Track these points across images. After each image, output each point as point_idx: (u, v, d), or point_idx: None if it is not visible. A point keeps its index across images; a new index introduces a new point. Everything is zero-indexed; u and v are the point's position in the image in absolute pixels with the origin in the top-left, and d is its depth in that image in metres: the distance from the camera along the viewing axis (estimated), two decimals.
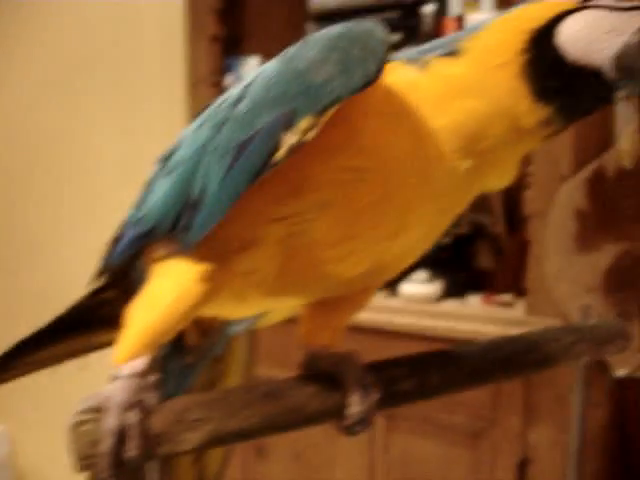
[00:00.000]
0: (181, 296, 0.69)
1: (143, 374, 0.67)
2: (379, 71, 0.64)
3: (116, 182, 2.31)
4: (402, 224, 0.71)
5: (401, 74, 0.70)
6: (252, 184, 0.64)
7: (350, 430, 0.75)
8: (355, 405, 0.74)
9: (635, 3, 0.69)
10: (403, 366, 0.80)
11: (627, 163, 1.54)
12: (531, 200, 1.79)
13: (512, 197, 1.99)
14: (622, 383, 1.77)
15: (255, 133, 0.64)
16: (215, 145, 0.68)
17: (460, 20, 1.97)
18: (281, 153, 0.63)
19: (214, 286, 0.69)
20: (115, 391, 0.65)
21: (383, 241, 0.71)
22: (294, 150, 0.63)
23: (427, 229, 0.74)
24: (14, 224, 2.57)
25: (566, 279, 1.72)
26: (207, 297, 0.69)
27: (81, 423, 0.63)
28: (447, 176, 0.70)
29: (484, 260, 2.11)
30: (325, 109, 0.63)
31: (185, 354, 0.83)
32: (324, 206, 0.67)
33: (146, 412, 0.65)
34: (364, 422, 0.75)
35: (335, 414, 0.75)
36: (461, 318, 1.88)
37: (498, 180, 0.76)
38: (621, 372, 1.73)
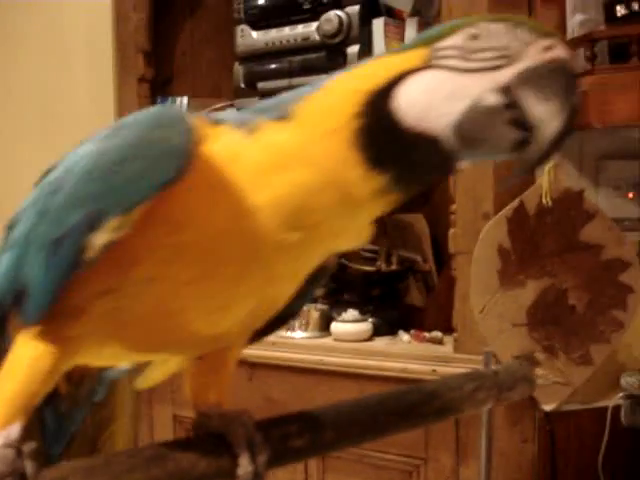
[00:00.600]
0: (35, 364, 0.68)
1: (18, 442, 0.66)
2: (185, 165, 0.62)
3: None
4: (230, 296, 0.68)
5: (227, 141, 0.67)
6: (69, 278, 0.64)
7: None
8: (245, 465, 0.74)
9: (481, 64, 0.65)
10: (295, 423, 0.79)
11: (546, 200, 1.57)
12: (456, 238, 1.81)
13: (441, 234, 2.01)
14: (551, 417, 1.78)
15: (66, 232, 0.64)
16: (36, 236, 0.67)
17: None
18: (91, 253, 0.63)
19: (63, 350, 0.68)
20: None
21: (215, 311, 0.69)
22: (109, 246, 0.63)
23: (266, 296, 0.72)
24: None
25: (492, 315, 1.73)
26: (61, 361, 0.69)
27: None
28: (275, 250, 0.66)
29: (415, 297, 2.12)
30: (132, 208, 0.62)
31: (60, 404, 0.81)
32: (148, 281, 0.66)
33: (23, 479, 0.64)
34: (259, 473, 0.74)
35: (225, 475, 0.74)
36: (392, 356, 1.89)
37: (347, 243, 0.72)
38: (549, 407, 1.74)
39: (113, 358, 0.75)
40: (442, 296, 2.00)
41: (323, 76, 0.71)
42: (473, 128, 0.64)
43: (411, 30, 2.02)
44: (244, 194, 0.65)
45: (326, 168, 0.65)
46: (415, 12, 2.08)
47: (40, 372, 0.68)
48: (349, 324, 2.00)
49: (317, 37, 2.05)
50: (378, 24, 2.04)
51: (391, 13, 2.08)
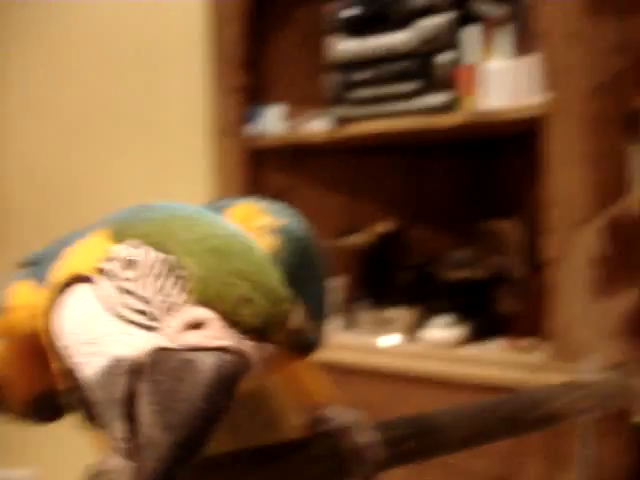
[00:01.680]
0: None
1: None
2: None
3: None
4: None
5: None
6: None
7: None
8: (357, 467, 0.76)
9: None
10: (408, 426, 0.81)
11: None
12: (550, 244, 1.80)
13: (535, 241, 2.00)
14: None
15: None
16: None
17: (476, 68, 2.00)
18: None
19: None
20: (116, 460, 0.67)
21: None
22: None
23: None
24: None
25: (586, 324, 1.72)
26: None
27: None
28: None
29: (506, 304, 2.11)
30: None
31: None
32: None
33: None
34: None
35: (338, 476, 0.76)
36: (483, 363, 1.88)
37: None
38: None
39: None
40: (535, 303, 1.98)
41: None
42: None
43: (504, 37, 2.02)
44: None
45: None
46: (508, 19, 2.07)
47: None
48: (440, 330, 2.00)
49: (409, 45, 2.07)
50: (471, 31, 2.04)
51: (484, 20, 2.08)
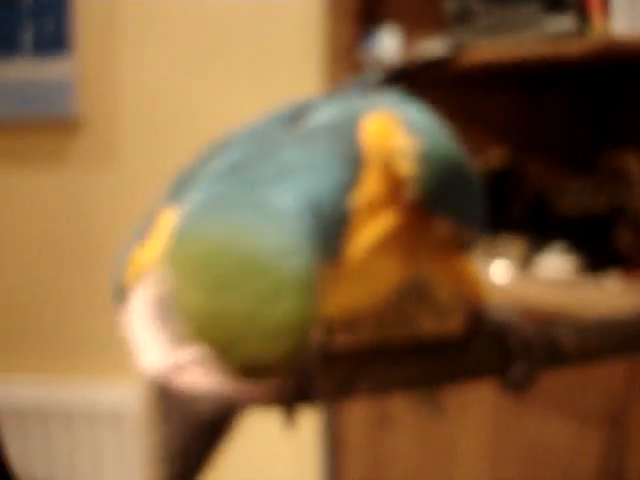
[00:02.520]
0: None
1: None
2: None
3: None
4: None
5: None
6: None
7: (516, 384, 0.76)
8: (519, 362, 0.76)
9: None
10: (564, 328, 0.80)
11: None
12: None
13: None
14: None
15: None
16: None
17: None
18: None
19: None
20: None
21: None
22: None
23: None
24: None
25: None
26: None
27: None
28: None
29: (624, 238, 2.06)
30: None
31: None
32: None
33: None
34: (529, 380, 0.76)
35: (499, 370, 0.76)
36: (600, 295, 1.85)
37: None
38: None
39: None
40: None
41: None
42: None
43: None
44: None
45: None
46: None
47: None
48: (554, 262, 1.97)
49: None
50: None
51: None
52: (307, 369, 0.67)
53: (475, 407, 2.05)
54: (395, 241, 0.66)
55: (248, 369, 0.47)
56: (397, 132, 0.65)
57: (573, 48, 1.93)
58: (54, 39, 2.50)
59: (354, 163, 0.63)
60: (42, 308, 2.62)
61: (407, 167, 0.64)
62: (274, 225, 0.51)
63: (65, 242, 2.62)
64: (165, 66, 2.61)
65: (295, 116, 0.72)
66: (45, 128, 2.59)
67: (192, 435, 0.49)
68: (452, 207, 0.69)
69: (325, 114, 0.70)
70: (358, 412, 2.33)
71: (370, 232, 0.63)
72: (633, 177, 2.04)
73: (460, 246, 0.76)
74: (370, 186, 0.64)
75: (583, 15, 1.94)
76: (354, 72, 2.32)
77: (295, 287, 0.48)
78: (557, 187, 2.16)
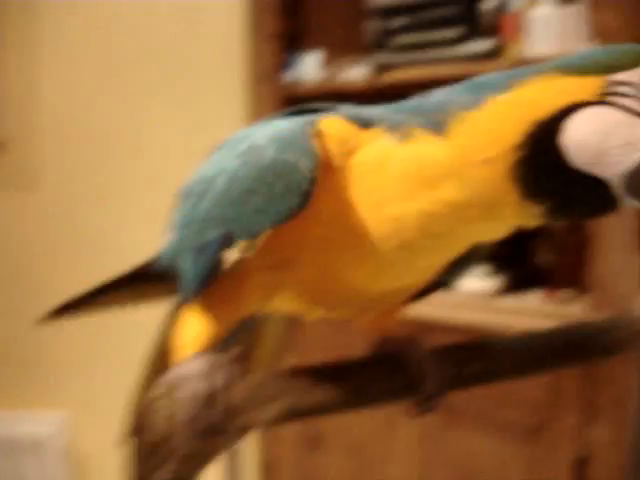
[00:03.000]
0: (202, 329, 0.74)
1: (217, 351, 0.70)
2: (302, 203, 0.66)
3: (175, 177, 2.34)
4: (377, 271, 0.72)
5: (378, 147, 0.68)
6: (213, 278, 0.73)
7: (423, 406, 0.77)
8: (428, 381, 0.76)
9: None
10: (468, 350, 0.81)
11: None
12: None
13: None
14: None
15: (204, 244, 0.72)
16: (185, 235, 0.75)
17: (520, 15, 1.96)
18: (226, 264, 0.71)
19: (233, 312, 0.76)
20: (193, 364, 0.68)
21: (369, 279, 0.73)
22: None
23: (414, 270, 0.74)
24: (77, 217, 2.63)
25: (628, 276, 1.70)
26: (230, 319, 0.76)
27: (157, 398, 0.65)
28: (412, 250, 0.69)
29: (545, 256, 2.10)
30: (257, 235, 0.68)
31: None
32: (309, 261, 0.71)
33: (223, 384, 0.68)
34: (436, 399, 0.77)
35: (400, 395, 0.76)
36: (521, 313, 1.88)
37: (491, 237, 0.71)
38: None
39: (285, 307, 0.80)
40: (573, 255, 1.97)
41: (482, 78, 0.68)
42: None
43: None
44: (388, 201, 0.67)
45: (478, 192, 0.64)
46: None
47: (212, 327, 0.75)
48: (477, 280, 2.00)
49: None
50: None
51: None
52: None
53: (403, 426, 2.06)
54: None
55: None
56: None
57: (489, 69, 1.96)
58: None
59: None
60: None
61: None
62: None
63: None
64: (85, 89, 2.57)
65: None
66: None
67: None
68: None
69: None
70: (288, 433, 2.32)
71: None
72: None
73: None
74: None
75: (499, 38, 1.99)
76: (277, 94, 2.33)
77: None
78: None
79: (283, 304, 0.78)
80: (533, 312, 1.88)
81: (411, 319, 1.94)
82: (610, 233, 1.72)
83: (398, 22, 2.13)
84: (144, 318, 2.51)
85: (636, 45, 0.63)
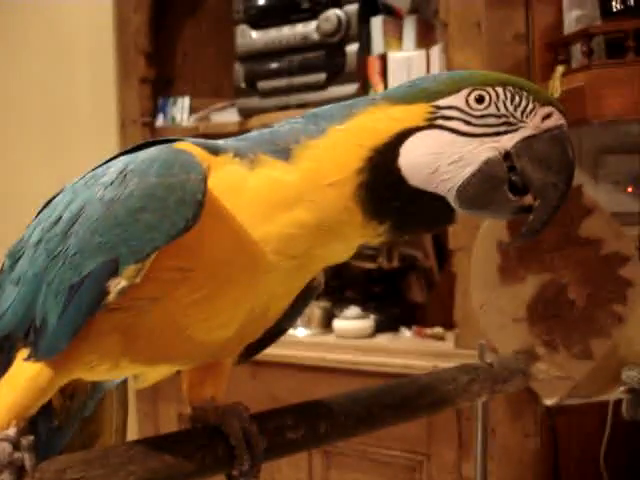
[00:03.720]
0: (32, 380, 0.70)
1: (16, 437, 0.67)
2: (195, 218, 0.64)
3: None
4: (230, 313, 0.71)
5: (228, 173, 0.69)
6: (90, 318, 0.67)
7: (247, 475, 0.76)
8: (241, 456, 0.75)
9: (484, 129, 0.68)
10: (290, 415, 0.80)
11: None
12: (456, 234, 1.82)
13: (441, 231, 2.02)
14: (552, 412, 1.79)
15: (84, 278, 0.66)
16: (50, 280, 0.69)
17: (383, 58, 2.01)
18: (111, 297, 0.65)
19: (61, 368, 0.70)
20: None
21: (216, 327, 0.71)
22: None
23: (266, 311, 0.74)
24: None
25: (492, 310, 1.74)
26: (58, 378, 0.71)
27: None
28: (271, 274, 0.69)
29: (416, 294, 2.13)
30: (147, 257, 0.64)
31: (53, 417, 0.82)
32: (154, 301, 0.67)
33: (21, 472, 0.65)
34: (252, 472, 0.75)
35: (222, 466, 0.75)
36: (394, 352, 1.90)
37: (336, 261, 0.74)
38: (550, 401, 1.74)
39: (113, 371, 0.75)
40: (443, 292, 2.01)
41: (319, 110, 0.73)
42: (476, 192, 0.67)
43: (409, 28, 2.03)
44: (245, 226, 0.68)
45: (326, 214, 0.68)
46: (413, 10, 2.09)
47: (36, 388, 0.70)
48: (351, 321, 2.01)
49: (316, 36, 2.06)
50: (377, 22, 2.05)
51: (389, 11, 2.10)
52: None
53: (286, 466, 2.04)
54: None
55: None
56: None
57: None
58: None
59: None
60: None
61: None
62: None
63: None
64: None
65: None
66: None
67: (568, 156, 0.70)
68: None
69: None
70: None
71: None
72: (423, 236, 2.12)
73: None
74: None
75: (364, 81, 2.02)
76: (148, 138, 2.30)
77: None
78: None
79: (121, 366, 0.74)
80: (405, 350, 1.90)
81: (284, 361, 1.96)
82: (473, 270, 1.76)
83: (263, 67, 2.14)
84: None
85: (456, 72, 0.72)
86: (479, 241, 1.73)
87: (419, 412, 0.89)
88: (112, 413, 0.91)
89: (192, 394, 0.81)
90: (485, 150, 0.68)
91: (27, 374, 0.70)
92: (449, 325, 1.94)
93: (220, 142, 0.72)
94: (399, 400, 0.86)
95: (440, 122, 0.68)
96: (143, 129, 2.30)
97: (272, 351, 1.94)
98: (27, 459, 0.67)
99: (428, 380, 0.90)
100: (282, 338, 2.07)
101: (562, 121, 0.70)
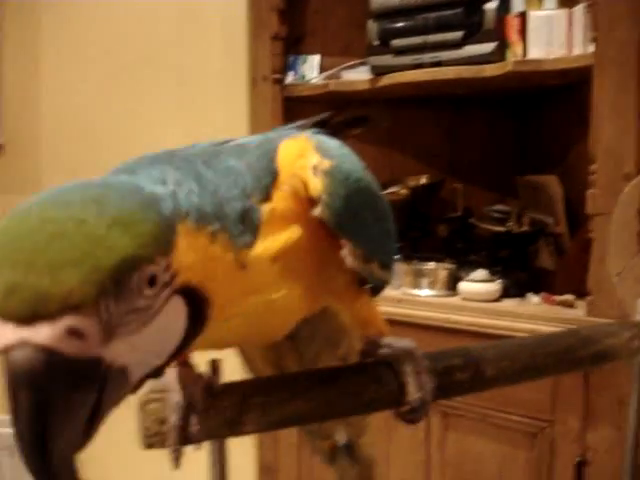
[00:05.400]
0: None
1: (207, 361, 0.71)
2: None
3: None
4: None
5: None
6: None
7: (408, 417, 0.76)
8: (413, 392, 0.75)
9: None
10: (459, 357, 0.80)
11: None
12: (594, 199, 1.77)
13: (575, 197, 1.97)
14: None
15: None
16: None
17: (523, 17, 1.96)
18: None
19: None
20: (181, 372, 0.68)
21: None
22: None
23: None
24: None
25: (630, 278, 1.69)
26: None
27: (148, 402, 0.66)
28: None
29: (545, 260, 2.09)
30: None
31: None
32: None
33: (210, 392, 0.68)
34: (422, 410, 0.76)
35: (393, 400, 0.76)
36: (520, 317, 1.87)
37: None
38: None
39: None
40: (574, 259, 1.96)
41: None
42: None
43: None
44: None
45: None
46: None
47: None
48: (477, 284, 1.99)
49: None
50: None
51: None
52: (191, 406, 0.66)
53: (403, 428, 2.05)
54: (302, 266, 0.67)
55: (23, 318, 0.46)
56: (309, 153, 0.67)
57: (490, 71, 1.96)
58: None
59: (267, 176, 0.66)
60: None
61: (315, 184, 0.66)
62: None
63: None
64: (85, 91, 2.58)
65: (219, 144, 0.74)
66: None
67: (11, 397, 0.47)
68: (358, 231, 0.69)
69: (246, 140, 0.73)
70: (286, 435, 2.31)
71: (275, 242, 0.65)
72: (552, 200, 2.07)
73: (362, 280, 0.77)
74: (279, 199, 0.66)
75: (501, 40, 1.98)
76: (278, 96, 2.33)
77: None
78: (481, 210, 2.19)
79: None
80: (532, 316, 1.87)
81: (408, 320, 1.96)
82: (611, 236, 1.71)
83: (398, 25, 2.12)
84: None
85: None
86: (619, 207, 1.68)
87: (582, 363, 0.87)
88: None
89: (360, 329, 0.82)
90: None
91: None
92: (578, 293, 1.89)
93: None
94: (562, 350, 0.85)
95: None
96: (274, 86, 2.31)
97: (395, 310, 1.97)
98: (214, 381, 0.69)
99: (589, 332, 0.88)
100: (406, 298, 2.07)
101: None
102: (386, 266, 0.75)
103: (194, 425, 0.66)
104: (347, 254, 0.70)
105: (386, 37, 2.14)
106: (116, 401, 0.52)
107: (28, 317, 0.46)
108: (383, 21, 2.14)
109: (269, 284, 0.65)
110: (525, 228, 2.05)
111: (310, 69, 2.33)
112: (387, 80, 2.14)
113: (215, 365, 0.70)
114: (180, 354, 0.58)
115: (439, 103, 2.43)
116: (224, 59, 2.48)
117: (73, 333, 0.47)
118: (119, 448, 2.12)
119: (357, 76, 2.24)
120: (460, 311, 1.96)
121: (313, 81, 2.32)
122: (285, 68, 2.35)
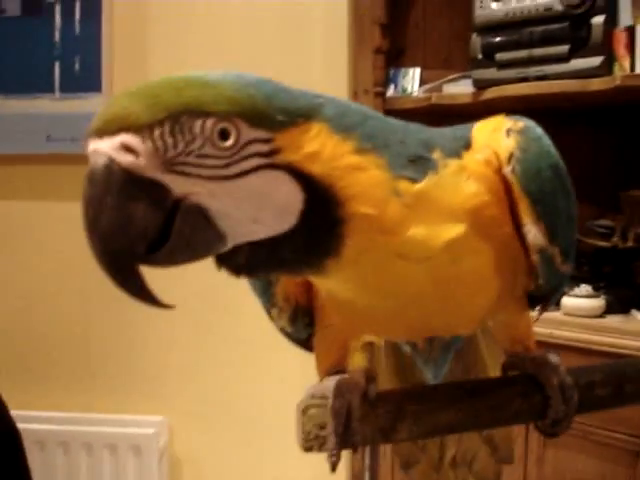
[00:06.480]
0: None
1: (363, 370, 0.73)
2: None
3: None
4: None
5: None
6: None
7: (550, 430, 0.77)
8: (557, 406, 0.76)
9: None
10: (599, 373, 0.81)
11: None
12: None
13: None
14: None
15: None
16: None
17: (631, 31, 1.94)
18: None
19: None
20: (341, 380, 0.71)
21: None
22: None
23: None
24: None
25: None
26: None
27: (309, 407, 0.69)
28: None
29: None
30: None
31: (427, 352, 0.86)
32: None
33: (367, 400, 0.70)
34: (564, 423, 0.77)
35: (537, 413, 0.77)
36: (627, 333, 1.84)
37: None
38: None
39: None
40: None
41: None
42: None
43: None
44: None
45: None
46: None
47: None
48: (581, 299, 1.97)
49: (560, 7, 2.01)
50: None
51: None
52: (349, 413, 0.69)
53: None
54: (492, 236, 0.69)
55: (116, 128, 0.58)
56: (504, 124, 0.70)
57: (597, 85, 1.95)
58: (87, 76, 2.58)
59: (459, 142, 0.69)
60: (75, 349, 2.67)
61: (507, 144, 0.69)
62: None
63: (90, 279, 2.64)
64: None
65: None
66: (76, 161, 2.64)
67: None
68: (546, 199, 0.70)
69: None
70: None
71: (460, 192, 0.66)
72: None
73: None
74: (469, 161, 0.68)
75: (608, 55, 1.96)
76: (378, 108, 2.35)
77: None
78: (584, 225, 2.16)
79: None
80: (638, 332, 1.84)
81: None
82: None
83: (503, 38, 2.12)
84: (241, 332, 2.57)
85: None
86: None
87: None
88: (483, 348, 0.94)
89: (505, 343, 0.83)
90: None
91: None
92: None
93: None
94: None
95: None
96: (375, 99, 2.34)
97: None
98: (371, 389, 0.72)
99: None
100: None
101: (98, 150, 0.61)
102: (567, 256, 0.74)
103: (352, 431, 0.69)
104: (531, 227, 0.70)
105: (490, 50, 2.14)
106: (193, 238, 0.60)
107: (100, 132, 0.59)
108: (487, 35, 2.15)
109: (450, 238, 0.66)
110: (630, 244, 2.03)
111: (410, 82, 2.35)
112: (490, 94, 2.14)
113: (371, 374, 0.72)
114: (309, 265, 0.64)
115: (542, 117, 2.40)
116: (325, 71, 2.51)
117: (126, 148, 0.58)
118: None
119: (459, 89, 2.25)
120: (563, 326, 1.94)
121: (414, 94, 2.34)
122: (386, 81, 2.38)
